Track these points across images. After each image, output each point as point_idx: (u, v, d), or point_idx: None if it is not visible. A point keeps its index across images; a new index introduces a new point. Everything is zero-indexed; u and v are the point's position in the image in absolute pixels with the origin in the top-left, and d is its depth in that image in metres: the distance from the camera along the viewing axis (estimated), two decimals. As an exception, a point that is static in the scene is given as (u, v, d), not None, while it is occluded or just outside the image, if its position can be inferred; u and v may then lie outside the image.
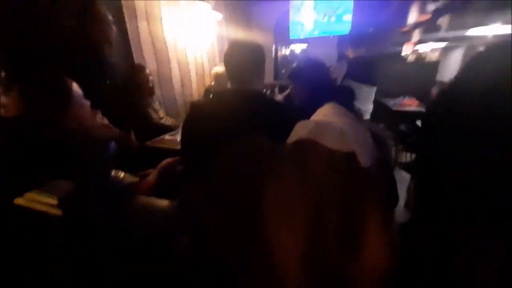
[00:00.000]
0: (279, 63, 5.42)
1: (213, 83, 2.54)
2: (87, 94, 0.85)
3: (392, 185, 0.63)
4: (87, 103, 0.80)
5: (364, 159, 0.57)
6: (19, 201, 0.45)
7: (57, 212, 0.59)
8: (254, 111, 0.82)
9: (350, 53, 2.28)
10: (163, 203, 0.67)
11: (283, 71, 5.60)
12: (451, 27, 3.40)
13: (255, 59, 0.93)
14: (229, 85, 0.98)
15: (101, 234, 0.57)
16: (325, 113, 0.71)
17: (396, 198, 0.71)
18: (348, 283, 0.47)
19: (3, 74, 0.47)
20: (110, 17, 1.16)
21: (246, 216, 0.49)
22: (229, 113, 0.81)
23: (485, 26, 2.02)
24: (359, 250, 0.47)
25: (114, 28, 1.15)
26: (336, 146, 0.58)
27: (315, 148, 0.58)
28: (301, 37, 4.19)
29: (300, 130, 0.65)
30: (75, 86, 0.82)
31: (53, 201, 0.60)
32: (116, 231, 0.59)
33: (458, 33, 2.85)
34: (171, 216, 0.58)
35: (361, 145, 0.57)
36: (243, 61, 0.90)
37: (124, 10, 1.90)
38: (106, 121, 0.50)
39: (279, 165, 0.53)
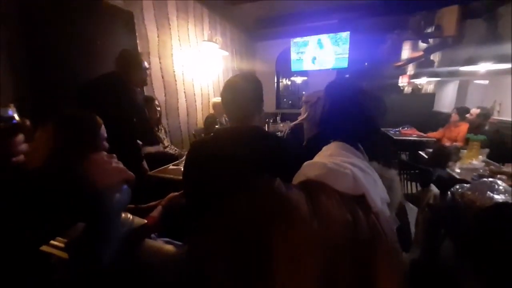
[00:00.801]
0: (281, 93, 5.65)
1: (212, 111, 2.62)
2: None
3: (404, 227, 0.62)
4: (106, 145, 0.82)
5: (375, 202, 0.57)
6: (44, 248, 0.45)
7: (64, 255, 0.57)
8: (256, 149, 0.81)
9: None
10: (172, 248, 0.65)
11: (284, 100, 5.82)
12: (443, 63, 3.61)
13: (253, 95, 0.90)
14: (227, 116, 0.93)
15: (109, 278, 0.55)
16: (331, 152, 0.72)
17: (408, 240, 0.69)
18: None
19: (28, 122, 0.49)
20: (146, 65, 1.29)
21: (257, 261, 0.47)
22: (231, 153, 0.80)
23: (476, 64, 2.14)
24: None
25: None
26: (346, 188, 0.59)
27: (323, 190, 0.58)
28: (302, 69, 4.44)
29: (308, 171, 0.65)
30: (102, 128, 0.86)
31: (61, 243, 0.59)
32: (125, 275, 0.56)
33: (450, 68, 3.02)
34: (180, 263, 0.56)
35: (371, 188, 0.57)
36: (242, 98, 0.87)
37: (139, 48, 2.06)
38: (121, 164, 0.51)
39: (288, 207, 0.52)
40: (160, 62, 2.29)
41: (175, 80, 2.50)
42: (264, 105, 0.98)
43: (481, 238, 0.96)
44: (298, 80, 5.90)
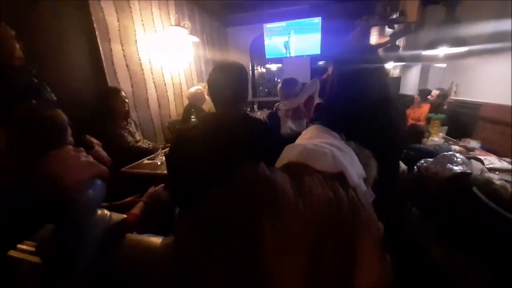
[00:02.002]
0: (257, 81, 5.59)
1: (189, 102, 2.52)
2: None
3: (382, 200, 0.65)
4: (71, 139, 0.74)
5: (352, 178, 0.59)
6: (12, 253, 0.40)
7: (34, 258, 0.52)
8: (243, 136, 0.81)
9: (330, 70, 2.41)
10: (155, 241, 0.62)
11: (260, 88, 5.78)
12: (407, 47, 3.83)
13: (241, 83, 0.90)
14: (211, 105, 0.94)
15: (88, 279, 0.51)
16: (310, 135, 0.73)
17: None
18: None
19: None
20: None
21: (246, 247, 0.47)
22: (219, 139, 0.79)
23: (435, 48, 2.30)
24: (355, 269, 0.47)
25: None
26: (325, 167, 0.60)
27: (305, 171, 0.59)
28: (276, 57, 4.41)
29: (289, 154, 0.66)
30: (65, 122, 0.77)
31: (31, 247, 0.53)
32: (105, 275, 0.52)
33: (413, 52, 3.21)
34: (164, 257, 0.53)
35: (348, 165, 0.59)
36: (230, 85, 0.87)
37: (97, 33, 1.86)
38: (91, 158, 0.47)
39: (274, 190, 0.52)
40: (123, 50, 2.10)
41: (142, 69, 2.32)
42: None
43: (442, 205, 1.06)
44: (273, 67, 5.87)
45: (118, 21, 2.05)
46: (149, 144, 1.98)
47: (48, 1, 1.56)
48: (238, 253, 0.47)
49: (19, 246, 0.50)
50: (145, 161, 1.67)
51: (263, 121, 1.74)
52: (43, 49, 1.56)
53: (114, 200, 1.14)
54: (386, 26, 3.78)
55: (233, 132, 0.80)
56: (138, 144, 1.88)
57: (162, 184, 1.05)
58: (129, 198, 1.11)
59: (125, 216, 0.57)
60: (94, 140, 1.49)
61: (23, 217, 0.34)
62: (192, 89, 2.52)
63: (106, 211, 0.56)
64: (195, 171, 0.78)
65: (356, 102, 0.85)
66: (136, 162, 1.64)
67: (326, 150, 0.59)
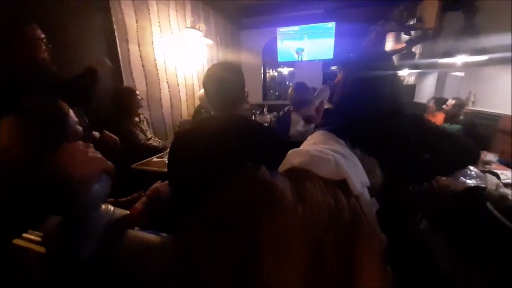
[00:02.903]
0: (268, 85, 5.61)
1: (199, 103, 2.56)
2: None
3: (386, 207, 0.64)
4: (80, 130, 0.77)
5: (355, 186, 0.58)
6: (17, 241, 0.42)
7: (39, 248, 0.54)
8: (242, 138, 0.80)
9: (340, 76, 2.39)
10: (156, 239, 0.64)
11: (271, 92, 5.79)
12: (423, 55, 3.73)
13: (237, 84, 0.88)
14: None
15: (90, 271, 0.53)
16: (315, 141, 0.73)
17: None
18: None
19: None
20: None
21: (244, 249, 0.47)
22: (217, 141, 0.79)
23: (453, 56, 2.23)
24: (355, 279, 0.46)
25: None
26: (328, 174, 0.59)
27: (307, 177, 0.58)
28: (288, 61, 4.41)
29: (292, 159, 0.66)
30: (71, 113, 0.80)
31: (37, 237, 0.56)
32: (107, 269, 0.54)
33: (430, 60, 3.12)
34: (165, 254, 0.55)
35: (352, 173, 0.58)
36: (226, 87, 0.85)
37: (116, 33, 1.94)
38: (98, 154, 0.48)
39: (273, 194, 0.52)
40: (139, 50, 2.17)
41: (157, 69, 2.40)
42: (247, 95, 0.98)
43: (453, 219, 1.02)
44: (285, 71, 5.87)
45: (136, 22, 2.12)
46: (159, 142, 2.04)
47: (70, 1, 1.65)
48: (237, 255, 0.47)
49: (25, 235, 0.52)
50: (154, 159, 1.71)
51: (264, 124, 1.75)
52: (64, 48, 1.64)
53: (123, 196, 1.17)
54: (402, 32, 3.70)
55: (232, 134, 0.79)
56: (149, 142, 1.93)
57: (167, 181, 1.07)
58: (134, 195, 1.14)
59: (128, 212, 0.59)
60: (113, 136, 1.55)
61: (30, 208, 0.36)
62: (203, 91, 2.56)
63: (110, 206, 0.59)
64: (192, 173, 0.79)
65: (366, 109, 0.84)
66: (146, 160, 1.69)
67: (329, 157, 0.59)
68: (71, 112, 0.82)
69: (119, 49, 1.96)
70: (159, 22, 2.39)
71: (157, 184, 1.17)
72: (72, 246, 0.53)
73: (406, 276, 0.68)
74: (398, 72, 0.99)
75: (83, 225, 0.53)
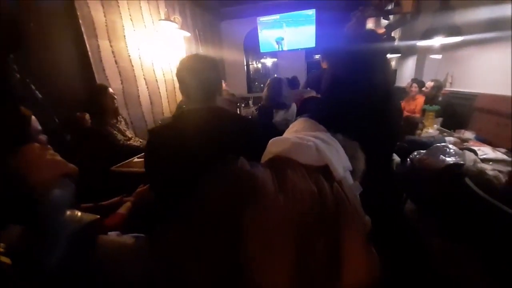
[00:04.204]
0: (252, 77, 5.54)
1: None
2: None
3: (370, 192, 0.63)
4: (43, 138, 0.71)
5: (338, 171, 0.57)
6: None
7: (6, 260, 0.49)
8: (220, 130, 0.78)
9: (324, 65, 2.39)
10: (129, 241, 0.60)
11: (256, 84, 5.73)
12: (402, 39, 3.80)
13: (212, 74, 0.85)
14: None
15: (59, 280, 0.49)
16: (297, 128, 0.71)
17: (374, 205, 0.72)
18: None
19: None
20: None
21: (227, 242, 0.45)
22: (195, 135, 0.76)
23: (431, 38, 2.27)
24: (341, 264, 0.46)
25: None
26: (309, 160, 0.58)
27: (289, 165, 0.56)
28: (271, 51, 4.35)
29: (273, 148, 0.63)
30: (34, 120, 0.73)
31: (1, 249, 0.50)
32: (78, 279, 0.50)
33: (408, 43, 3.18)
34: (143, 255, 0.51)
35: (333, 158, 0.57)
36: (201, 78, 0.82)
37: (83, 29, 1.80)
38: (58, 156, 0.44)
39: (254, 185, 0.50)
40: (111, 46, 2.04)
41: (132, 66, 2.27)
42: (225, 86, 0.95)
43: (435, 197, 1.05)
44: (268, 62, 5.81)
45: (105, 16, 1.99)
46: (140, 142, 1.95)
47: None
48: (220, 250, 0.45)
49: None
50: (135, 159, 1.64)
51: (243, 115, 1.73)
52: (27, 49, 1.51)
53: (103, 200, 1.12)
54: (382, 18, 3.74)
55: (210, 127, 0.77)
56: (128, 143, 1.84)
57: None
58: (115, 198, 1.09)
59: (98, 216, 0.55)
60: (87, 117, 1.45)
61: None
62: None
63: (76, 212, 0.54)
64: (171, 171, 0.76)
65: (359, 94, 0.81)
66: (126, 161, 1.61)
67: (310, 143, 0.57)
68: (33, 120, 0.76)
69: (87, 46, 1.83)
70: (130, 15, 2.25)
71: (141, 188, 1.12)
72: (38, 256, 0.48)
73: (392, 256, 0.68)
74: (386, 54, 0.96)
75: (47, 234, 0.48)
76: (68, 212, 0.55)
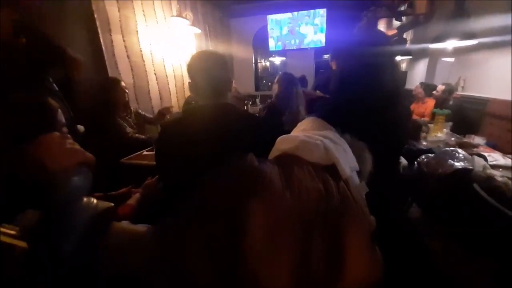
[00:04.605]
0: (260, 75, 5.54)
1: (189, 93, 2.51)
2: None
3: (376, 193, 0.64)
4: (66, 130, 0.75)
5: (344, 170, 0.57)
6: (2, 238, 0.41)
7: (22, 243, 0.52)
8: (230, 127, 0.79)
9: (333, 65, 2.38)
10: (141, 229, 0.62)
11: (264, 82, 5.72)
12: (414, 41, 3.73)
13: (224, 71, 0.87)
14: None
15: (74, 266, 0.51)
16: (305, 127, 0.72)
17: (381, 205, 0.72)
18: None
19: None
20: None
21: (232, 236, 0.46)
22: (205, 131, 0.77)
23: (444, 41, 2.23)
24: (344, 264, 0.47)
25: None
26: (317, 159, 0.59)
27: (296, 162, 0.57)
28: (279, 49, 4.34)
29: (281, 145, 0.64)
30: (60, 114, 0.77)
31: (19, 232, 0.53)
32: (91, 264, 0.53)
33: (421, 46, 3.12)
34: (151, 244, 0.53)
35: (341, 158, 0.57)
36: (214, 74, 0.84)
37: (98, 23, 1.84)
38: (77, 146, 0.46)
39: (261, 180, 0.51)
40: (124, 41, 2.08)
41: (143, 61, 2.31)
42: (233, 84, 0.97)
43: (442, 201, 1.04)
44: (277, 60, 5.79)
45: (119, 11, 2.03)
46: (148, 135, 1.99)
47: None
48: (224, 243, 0.47)
49: (3, 230, 0.50)
50: (144, 152, 1.68)
51: (251, 113, 1.74)
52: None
53: (114, 190, 1.15)
54: (394, 19, 3.67)
55: (220, 123, 0.78)
56: (137, 135, 1.88)
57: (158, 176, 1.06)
58: (124, 189, 1.12)
59: (112, 204, 0.57)
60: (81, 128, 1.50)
61: (4, 201, 0.34)
62: None
63: (92, 199, 0.56)
64: (181, 164, 0.78)
65: (367, 95, 0.82)
66: (136, 154, 1.65)
67: (318, 142, 0.58)
68: (59, 113, 0.79)
69: (101, 40, 1.87)
70: (143, 11, 2.29)
71: (150, 180, 1.15)
72: (54, 241, 0.51)
73: (396, 257, 0.69)
74: (394, 56, 0.97)
75: (64, 219, 0.51)
76: (85, 199, 0.58)
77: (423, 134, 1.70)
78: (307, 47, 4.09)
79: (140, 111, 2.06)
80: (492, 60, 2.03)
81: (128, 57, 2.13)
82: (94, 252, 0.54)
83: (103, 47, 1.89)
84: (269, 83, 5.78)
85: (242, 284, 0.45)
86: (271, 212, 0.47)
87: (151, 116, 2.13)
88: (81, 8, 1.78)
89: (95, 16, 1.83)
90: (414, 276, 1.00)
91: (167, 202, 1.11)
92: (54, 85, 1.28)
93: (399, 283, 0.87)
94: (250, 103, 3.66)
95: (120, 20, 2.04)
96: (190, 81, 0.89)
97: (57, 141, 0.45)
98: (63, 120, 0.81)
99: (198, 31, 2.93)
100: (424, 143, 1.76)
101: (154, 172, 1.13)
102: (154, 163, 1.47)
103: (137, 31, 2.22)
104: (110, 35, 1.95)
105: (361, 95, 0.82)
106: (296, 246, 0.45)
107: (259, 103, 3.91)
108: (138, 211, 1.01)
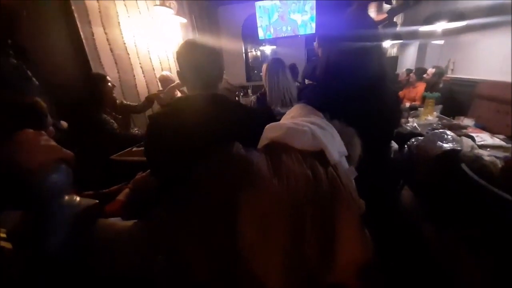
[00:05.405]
0: (251, 65, 5.44)
1: (160, 87, 2.40)
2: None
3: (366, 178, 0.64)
4: (53, 131, 0.72)
5: (333, 156, 0.57)
6: None
7: (7, 245, 0.51)
8: (222, 117, 0.77)
9: (320, 52, 2.34)
10: (128, 224, 0.61)
11: (255, 72, 5.64)
12: (404, 24, 3.70)
13: (215, 61, 0.85)
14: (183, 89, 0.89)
15: (61, 266, 0.50)
16: (294, 114, 0.71)
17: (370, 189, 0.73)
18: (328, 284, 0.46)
19: None
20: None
21: (222, 227, 0.46)
22: (196, 121, 0.75)
23: (433, 23, 2.21)
24: (335, 247, 0.47)
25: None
26: (305, 146, 0.58)
27: (284, 150, 0.57)
28: (270, 38, 4.25)
29: (269, 133, 0.63)
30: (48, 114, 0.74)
31: (2, 234, 0.52)
32: (78, 262, 0.52)
33: (411, 28, 3.11)
34: (140, 238, 0.53)
35: (329, 143, 0.57)
36: (204, 65, 0.82)
37: (76, 15, 1.75)
38: (52, 142, 0.44)
39: (249, 169, 0.50)
40: (106, 33, 1.99)
41: (128, 53, 2.22)
42: (225, 75, 0.95)
43: (432, 183, 1.06)
44: (267, 49, 5.68)
45: (97, 1, 1.92)
46: (138, 131, 1.95)
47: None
48: (215, 233, 0.46)
49: None
50: (134, 148, 1.64)
51: (243, 103, 1.72)
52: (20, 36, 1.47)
53: (105, 188, 1.13)
54: (384, 2, 3.62)
55: (211, 114, 0.76)
56: (125, 132, 1.84)
57: (149, 170, 1.04)
58: (115, 186, 1.10)
59: (96, 201, 0.56)
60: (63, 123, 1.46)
61: None
62: (165, 73, 2.42)
63: (74, 197, 0.55)
64: (172, 157, 0.76)
65: (353, 81, 0.81)
66: (125, 150, 1.62)
67: (305, 128, 0.56)
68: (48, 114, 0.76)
69: (81, 33, 1.78)
70: (124, 1, 2.18)
71: (139, 175, 1.13)
72: (37, 240, 0.49)
73: (387, 240, 0.70)
74: (382, 42, 0.97)
75: (45, 218, 0.50)
76: (67, 197, 0.56)
77: (403, 120, 1.74)
78: (297, 34, 4.02)
79: (124, 101, 2.02)
80: (481, 41, 2.04)
81: (111, 50, 2.04)
82: (79, 248, 0.53)
83: (84, 41, 1.80)
84: (260, 73, 5.70)
85: (236, 273, 0.45)
86: (259, 200, 0.46)
87: (135, 104, 2.07)
88: (58, 2, 1.67)
89: (73, 8, 1.73)
90: (406, 259, 1.02)
91: (158, 196, 1.10)
92: (34, 79, 1.22)
93: (392, 266, 0.89)
94: (242, 94, 3.61)
95: (100, 11, 1.94)
96: (178, 69, 0.86)
97: (31, 137, 0.42)
98: (51, 119, 0.77)
99: (184, 20, 2.82)
100: (415, 125, 1.78)
101: (145, 167, 1.11)
102: (143, 159, 1.44)
103: (119, 22, 2.12)
104: (91, 27, 1.86)
105: (347, 80, 0.81)
106: (286, 232, 0.45)
107: (251, 94, 3.86)
108: (128, 206, 0.99)
